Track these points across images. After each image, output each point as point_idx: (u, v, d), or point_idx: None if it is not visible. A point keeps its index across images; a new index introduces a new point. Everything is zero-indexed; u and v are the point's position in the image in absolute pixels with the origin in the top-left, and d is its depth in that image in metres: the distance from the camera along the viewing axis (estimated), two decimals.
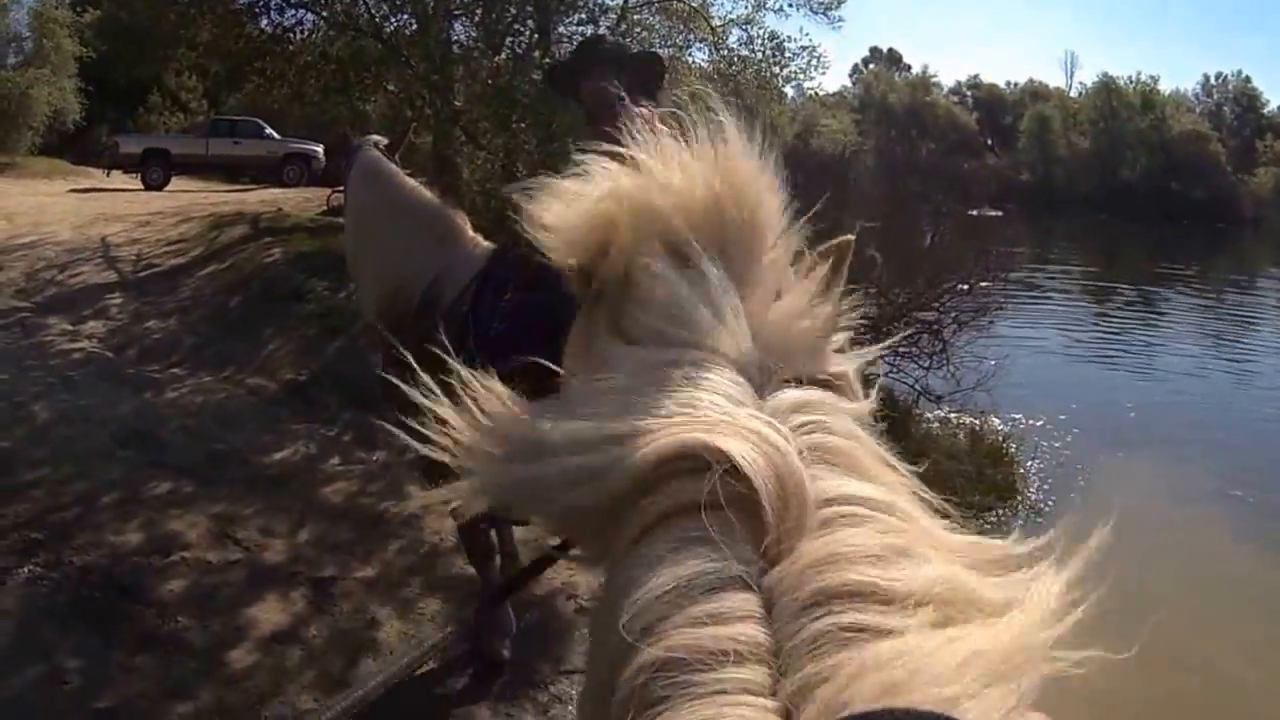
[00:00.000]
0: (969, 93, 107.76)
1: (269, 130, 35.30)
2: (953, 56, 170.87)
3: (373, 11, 18.43)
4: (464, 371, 1.49)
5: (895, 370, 11.71)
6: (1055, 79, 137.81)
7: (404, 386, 1.57)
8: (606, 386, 1.24)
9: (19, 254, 16.70)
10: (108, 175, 33.49)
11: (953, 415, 11.40)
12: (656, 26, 20.41)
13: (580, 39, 17.22)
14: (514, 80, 15.23)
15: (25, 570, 6.44)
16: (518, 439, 1.28)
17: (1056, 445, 11.75)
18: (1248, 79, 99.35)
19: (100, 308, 13.50)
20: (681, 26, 20.71)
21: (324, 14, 18.51)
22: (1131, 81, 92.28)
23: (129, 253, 16.69)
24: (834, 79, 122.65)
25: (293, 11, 18.61)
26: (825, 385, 1.26)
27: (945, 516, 1.17)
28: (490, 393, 1.42)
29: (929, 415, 11.36)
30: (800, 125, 68.07)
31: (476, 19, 18.63)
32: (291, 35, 18.69)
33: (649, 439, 1.08)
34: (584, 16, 18.83)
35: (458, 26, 19.04)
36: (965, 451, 10.45)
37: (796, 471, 1.04)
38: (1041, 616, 0.96)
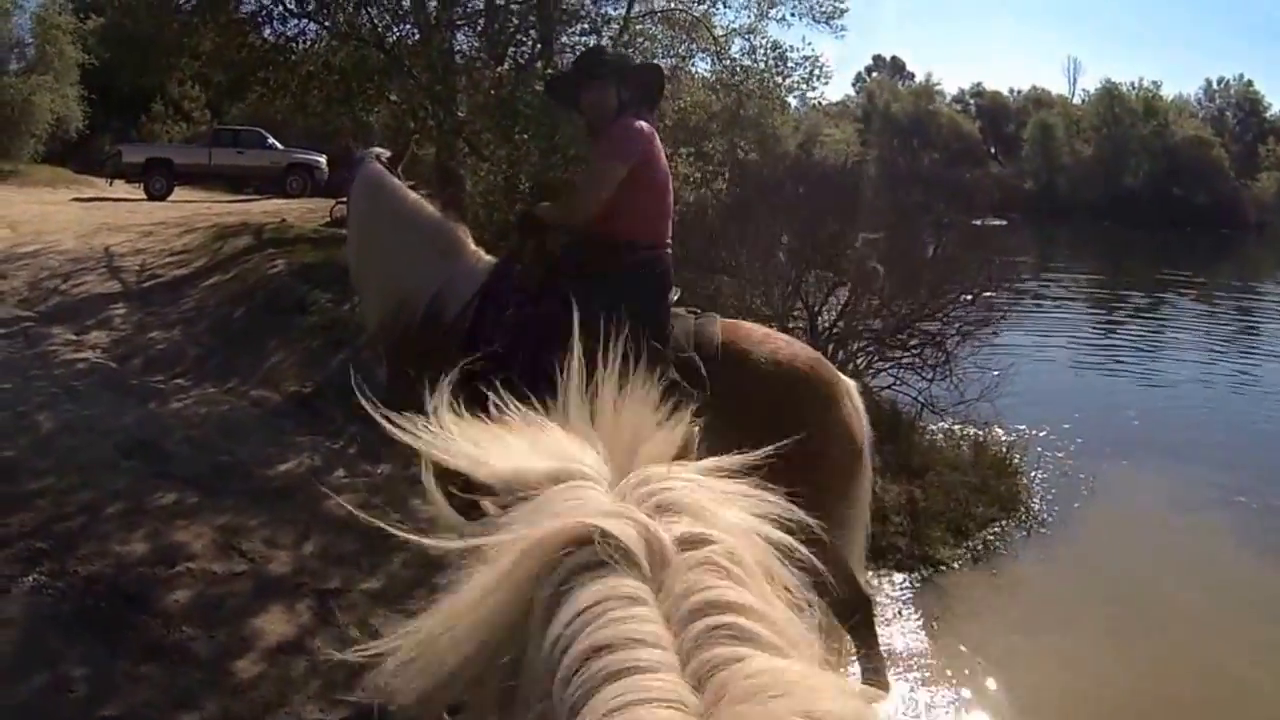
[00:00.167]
0: (972, 101, 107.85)
1: (272, 140, 35.13)
2: (956, 63, 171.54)
3: (375, 22, 18.42)
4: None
5: (899, 383, 11.72)
6: (1058, 85, 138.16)
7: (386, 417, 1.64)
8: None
9: (22, 263, 16.71)
10: (110, 184, 33.39)
11: (956, 427, 11.38)
12: (659, 36, 20.40)
13: (583, 49, 17.29)
14: (516, 91, 15.21)
15: (30, 579, 6.47)
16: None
17: (1060, 455, 11.73)
18: (1249, 83, 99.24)
19: (104, 318, 13.51)
20: (684, 36, 20.67)
21: (326, 24, 18.50)
22: (1134, 87, 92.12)
23: (132, 263, 16.69)
24: (837, 88, 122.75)
25: (295, 21, 18.59)
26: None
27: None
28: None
29: (933, 427, 11.34)
30: (803, 135, 68.04)
31: (479, 29, 18.65)
32: (294, 45, 18.66)
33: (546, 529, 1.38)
34: (586, 27, 18.85)
35: (460, 37, 19.06)
36: (969, 463, 10.45)
37: (650, 526, 1.35)
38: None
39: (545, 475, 1.56)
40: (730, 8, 21.69)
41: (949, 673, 6.85)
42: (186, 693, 5.54)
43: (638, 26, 19.55)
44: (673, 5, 20.52)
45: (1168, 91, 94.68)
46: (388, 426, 1.73)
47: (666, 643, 1.22)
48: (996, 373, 11.75)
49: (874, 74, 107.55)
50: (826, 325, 11.61)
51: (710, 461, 1.68)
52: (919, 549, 8.63)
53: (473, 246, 6.06)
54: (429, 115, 17.61)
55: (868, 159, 54.07)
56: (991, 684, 6.73)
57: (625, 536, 1.32)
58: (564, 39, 18.69)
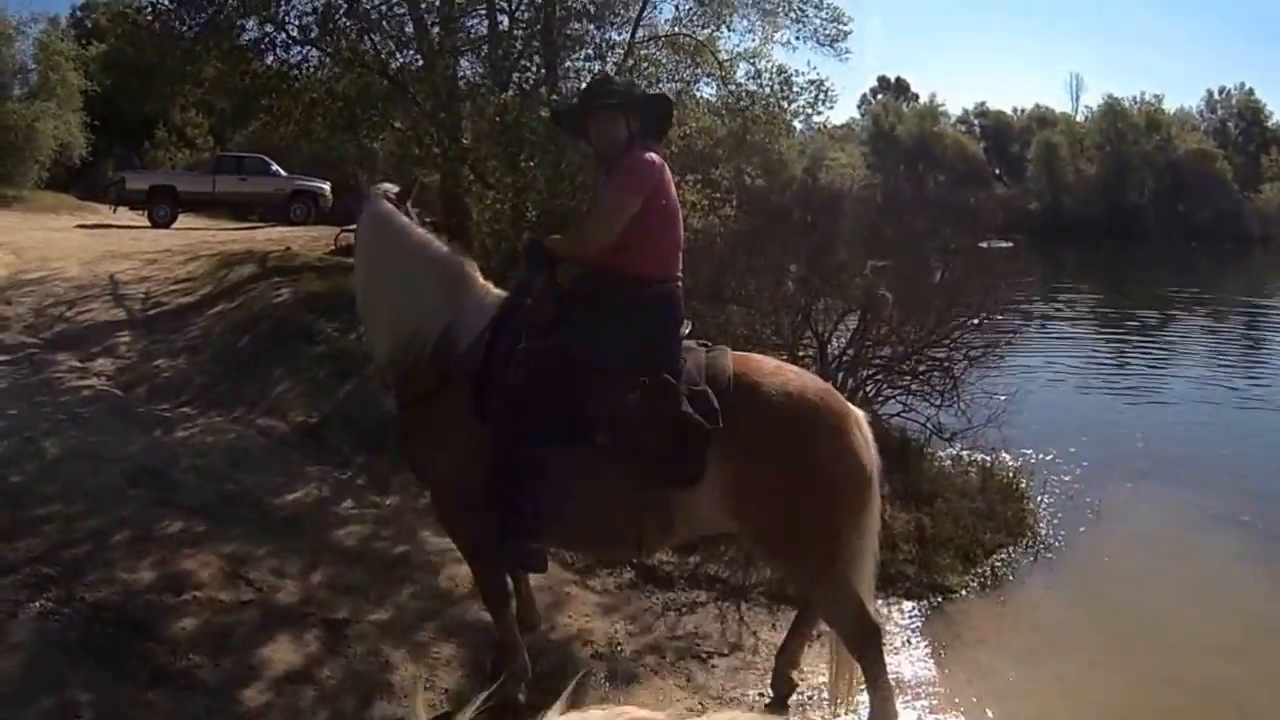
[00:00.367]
0: (976, 121, 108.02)
1: (275, 167, 35.14)
2: (959, 81, 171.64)
3: (378, 48, 18.50)
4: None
5: (907, 410, 11.71)
6: (1062, 102, 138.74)
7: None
8: None
9: (27, 289, 16.72)
10: (114, 211, 33.40)
11: (964, 453, 11.37)
12: (664, 61, 20.44)
13: (589, 75, 17.30)
14: (521, 117, 15.22)
15: (37, 604, 6.49)
16: None
17: (1066, 479, 11.73)
18: (1250, 91, 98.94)
19: (109, 345, 13.52)
20: (689, 61, 20.74)
21: (329, 51, 18.55)
22: (1136, 102, 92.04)
23: (137, 290, 16.70)
24: (842, 110, 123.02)
25: (298, 49, 18.66)
26: None
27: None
28: None
29: (941, 454, 11.34)
30: (809, 159, 68.12)
31: (483, 55, 18.70)
32: (297, 72, 18.73)
33: None
34: (590, 52, 18.89)
35: (464, 63, 19.14)
36: (977, 489, 10.44)
37: None
38: None
39: None
40: (735, 32, 21.65)
41: (956, 700, 6.83)
42: (194, 719, 5.54)
43: (642, 52, 19.59)
44: (677, 30, 20.63)
45: (1170, 104, 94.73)
46: None
47: None
48: (1004, 397, 11.74)
49: (879, 96, 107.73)
50: (836, 353, 11.61)
51: None
52: (927, 576, 8.62)
53: (481, 279, 6.08)
54: (434, 142, 17.64)
55: (874, 182, 54.14)
56: (998, 712, 6.71)
57: None
58: (568, 64, 18.73)
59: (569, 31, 18.31)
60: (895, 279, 11.73)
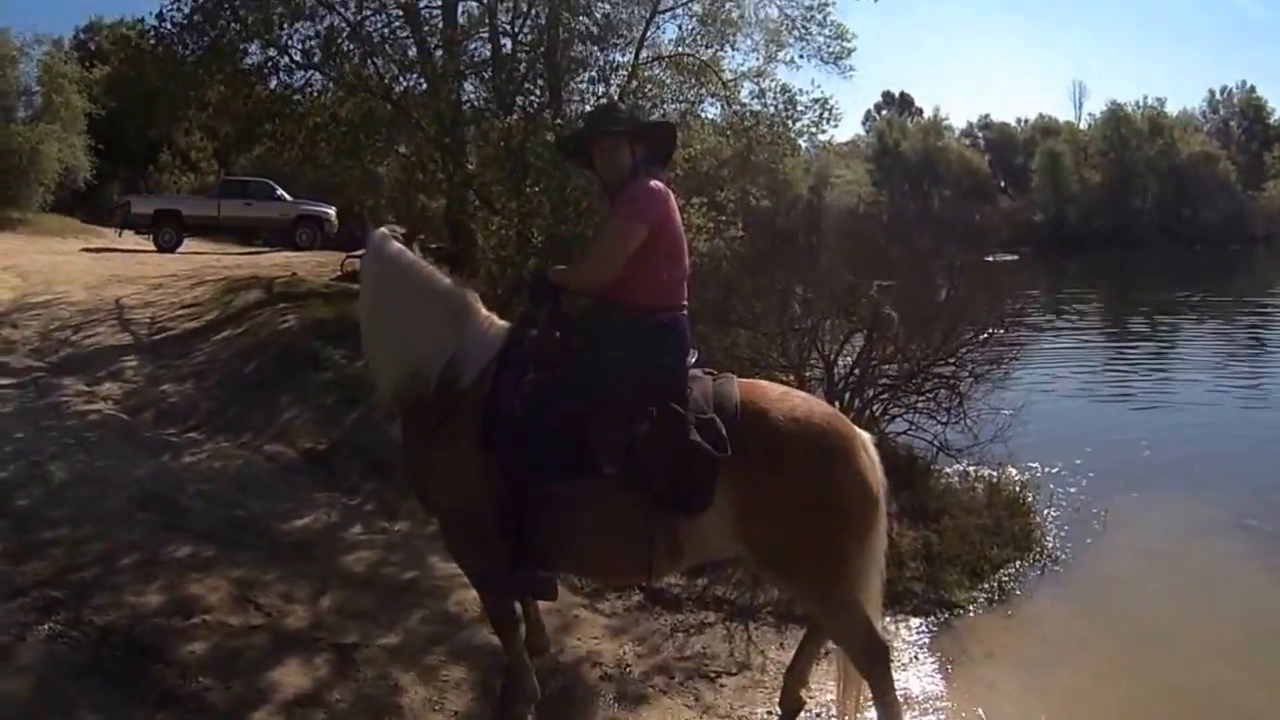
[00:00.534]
0: (980, 134, 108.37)
1: (281, 192, 35.09)
2: (963, 90, 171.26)
3: (382, 73, 18.55)
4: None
5: (914, 428, 11.72)
6: (1065, 109, 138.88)
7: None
8: None
9: (33, 313, 16.75)
10: (120, 235, 33.49)
11: (971, 469, 11.37)
12: (668, 82, 20.49)
13: (593, 97, 17.33)
14: (526, 142, 15.25)
15: (45, 627, 6.50)
16: None
17: (1072, 491, 11.74)
18: (1252, 89, 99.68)
19: (115, 369, 13.52)
20: (693, 81, 20.78)
21: (333, 75, 18.60)
22: (1139, 106, 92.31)
23: (143, 315, 16.71)
24: (847, 126, 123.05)
25: (301, 73, 18.70)
26: None
27: None
28: None
29: (948, 470, 11.33)
30: (814, 178, 68.22)
31: (486, 79, 18.73)
32: (301, 96, 18.78)
33: None
34: (594, 75, 18.93)
35: (467, 87, 19.15)
36: (983, 505, 10.45)
37: None
38: None
39: None
40: (739, 51, 21.73)
41: (964, 715, 6.85)
42: None
43: (646, 73, 19.67)
44: (681, 50, 20.67)
45: (1173, 106, 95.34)
46: None
47: None
48: (1009, 412, 11.75)
49: (883, 111, 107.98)
50: (843, 374, 11.62)
51: None
52: (935, 593, 8.64)
53: (484, 311, 6.08)
54: (438, 167, 17.71)
55: (880, 200, 54.18)
56: None
57: None
58: (572, 87, 18.77)
59: (572, 54, 18.38)
60: (900, 297, 11.74)
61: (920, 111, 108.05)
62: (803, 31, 21.05)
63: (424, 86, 18.32)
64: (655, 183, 5.77)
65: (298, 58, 18.34)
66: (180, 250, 31.17)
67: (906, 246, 12.84)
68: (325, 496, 9.74)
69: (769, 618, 8.00)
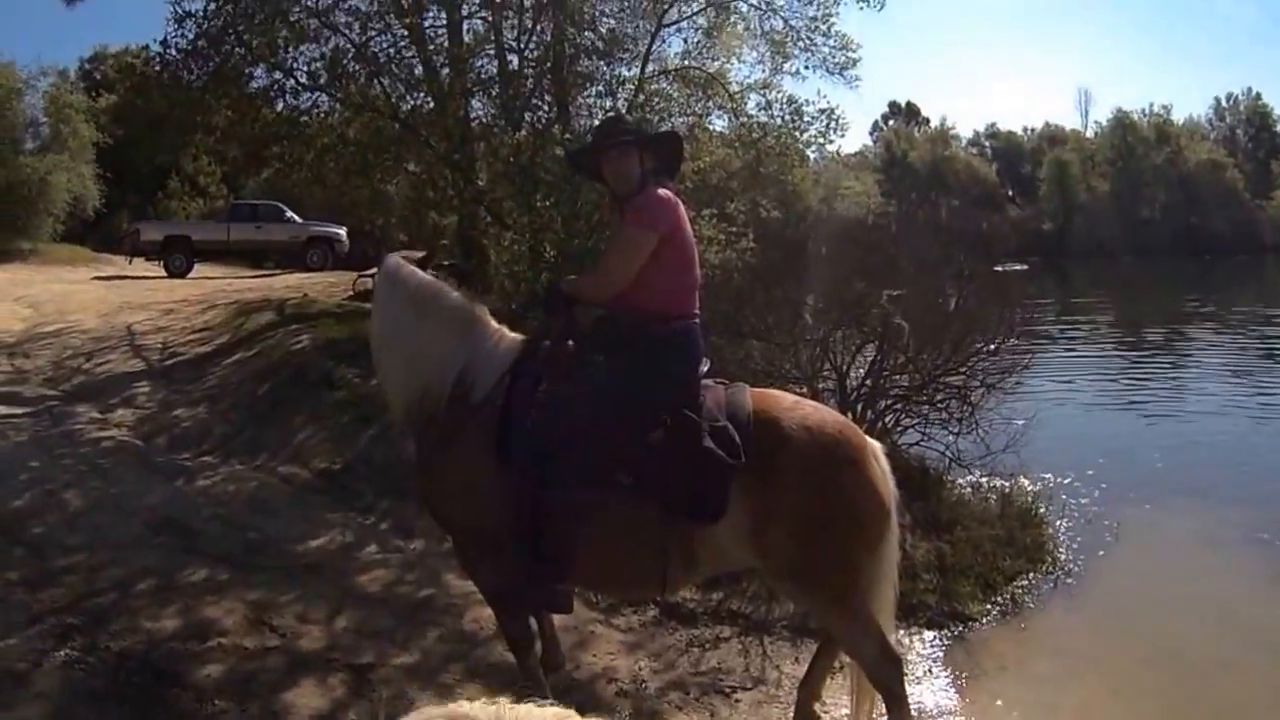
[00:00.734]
0: (987, 143, 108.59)
1: (290, 214, 35.05)
2: (969, 98, 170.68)
3: (388, 92, 18.60)
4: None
5: (926, 439, 11.70)
6: (1071, 117, 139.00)
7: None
8: None
9: (46, 342, 16.84)
10: (130, 263, 33.52)
11: (984, 479, 11.33)
12: (675, 96, 20.50)
13: (600, 112, 17.37)
14: (536, 157, 15.29)
15: (62, 654, 6.55)
16: None
17: (1084, 502, 11.70)
18: (1258, 96, 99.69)
19: (128, 396, 13.57)
20: (700, 94, 20.81)
21: (339, 96, 18.67)
22: (1145, 114, 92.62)
23: (155, 341, 16.77)
24: (855, 137, 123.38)
25: (308, 95, 18.78)
26: None
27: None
28: None
29: (960, 481, 11.29)
30: (824, 189, 68.27)
31: (494, 95, 18.78)
32: (308, 118, 18.86)
33: None
34: (601, 89, 18.95)
35: (475, 104, 19.20)
36: (996, 516, 10.39)
37: None
38: None
39: None
40: (745, 63, 21.76)
41: None
42: None
43: (652, 86, 19.67)
44: (687, 63, 20.71)
45: (1179, 114, 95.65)
46: None
47: None
48: (1021, 422, 11.73)
49: (890, 122, 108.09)
50: (855, 385, 11.62)
51: None
52: (948, 605, 8.61)
53: (493, 324, 6.10)
54: (449, 184, 17.75)
55: (889, 210, 54.19)
56: None
57: None
58: (579, 101, 18.80)
59: (579, 69, 18.39)
60: (911, 308, 11.74)
61: (927, 121, 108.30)
62: (807, 42, 21.04)
63: (431, 105, 18.37)
64: (664, 191, 5.81)
65: (304, 80, 18.45)
66: (191, 275, 31.28)
67: (915, 256, 12.84)
68: (340, 516, 9.75)
69: (784, 632, 7.99)
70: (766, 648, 7.77)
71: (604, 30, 18.66)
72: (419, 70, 18.71)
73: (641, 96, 18.86)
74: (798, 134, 21.27)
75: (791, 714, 6.40)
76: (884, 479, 5.62)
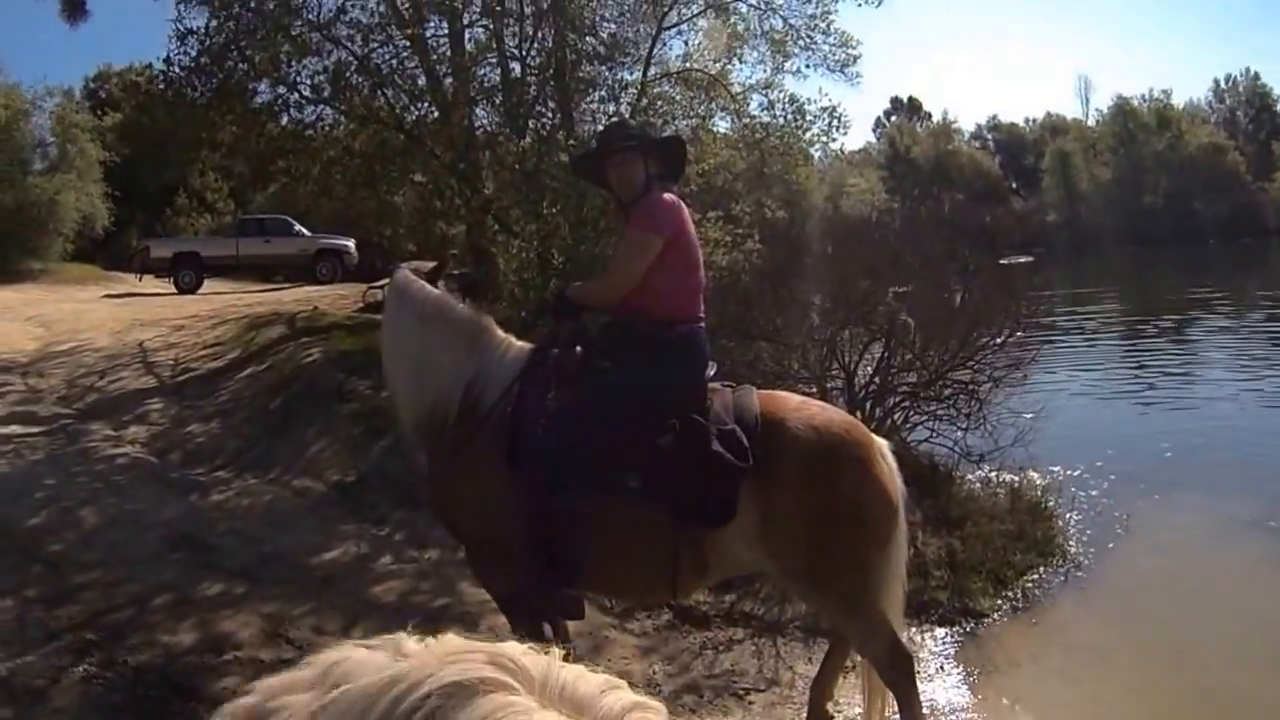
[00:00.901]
0: (990, 135, 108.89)
1: (299, 227, 35.16)
2: (970, 91, 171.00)
3: (392, 103, 18.65)
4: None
5: (935, 435, 11.70)
6: (1071, 106, 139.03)
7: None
8: None
9: (59, 361, 16.88)
10: (140, 280, 33.62)
11: (993, 474, 11.26)
12: (677, 99, 20.59)
13: (604, 117, 17.41)
14: (541, 164, 15.33)
15: (81, 669, 6.60)
16: None
17: (1094, 494, 11.67)
18: (1256, 76, 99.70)
19: (141, 412, 13.60)
20: (703, 96, 20.90)
21: (343, 109, 18.72)
22: (1145, 99, 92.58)
23: (166, 357, 16.79)
24: (859, 134, 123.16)
25: (312, 108, 18.83)
26: None
27: None
28: None
29: (970, 477, 11.24)
30: (829, 187, 68.22)
31: (497, 103, 18.82)
32: (313, 131, 18.91)
33: None
34: (604, 94, 19.01)
35: (479, 112, 19.27)
36: (1006, 510, 10.34)
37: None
38: None
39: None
40: (746, 64, 21.84)
41: None
42: None
43: (655, 90, 19.75)
44: (689, 66, 20.79)
45: (1179, 97, 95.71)
46: None
47: None
48: (1030, 415, 11.73)
49: (892, 117, 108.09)
50: (863, 383, 11.63)
51: None
52: (959, 601, 8.59)
53: (500, 334, 6.13)
54: (455, 194, 17.79)
55: (893, 207, 54.13)
56: None
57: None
58: (583, 107, 18.84)
59: (581, 74, 18.46)
60: (917, 304, 11.75)
61: (929, 116, 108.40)
62: (808, 41, 21.13)
63: (436, 114, 18.44)
64: (668, 195, 5.86)
65: (307, 93, 18.50)
66: (201, 291, 31.31)
67: (919, 252, 12.85)
68: (354, 528, 9.77)
69: (797, 633, 8.00)
70: (779, 649, 7.78)
71: (605, 35, 18.78)
72: (422, 80, 18.79)
73: (644, 100, 18.92)
74: (800, 133, 21.37)
75: (805, 714, 6.43)
76: (891, 477, 5.65)
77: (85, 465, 11.40)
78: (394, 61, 18.65)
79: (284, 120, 18.92)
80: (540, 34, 18.26)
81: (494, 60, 19.04)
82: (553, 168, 15.24)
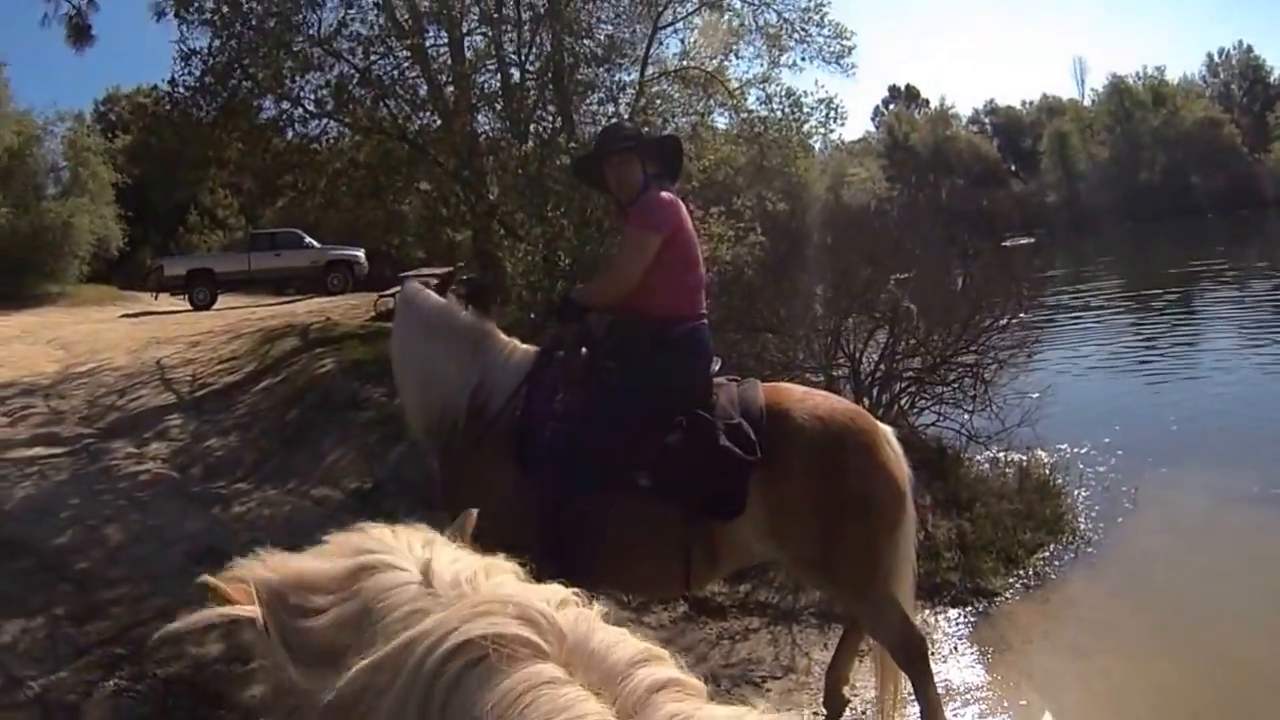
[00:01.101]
0: (987, 119, 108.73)
1: (309, 240, 35.33)
2: (966, 75, 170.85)
3: (394, 113, 18.75)
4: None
5: (942, 419, 11.77)
6: (1067, 86, 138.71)
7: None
8: None
9: (79, 382, 16.97)
10: (156, 299, 33.82)
11: (1001, 454, 11.28)
12: (676, 96, 20.68)
13: (604, 118, 17.48)
14: (543, 168, 15.40)
15: (111, 683, 6.69)
16: None
17: (1102, 470, 11.78)
18: (1249, 49, 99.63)
19: (161, 429, 13.68)
20: (701, 93, 21.01)
21: (347, 121, 18.83)
22: (1140, 77, 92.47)
23: (184, 373, 16.88)
24: (857, 124, 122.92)
25: (316, 122, 18.94)
26: None
27: None
28: None
29: (978, 458, 11.26)
30: (830, 178, 68.10)
31: (499, 109, 18.90)
32: (318, 145, 19.03)
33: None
34: (603, 95, 19.06)
35: (481, 119, 19.32)
36: (1015, 490, 10.38)
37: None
38: None
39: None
40: (742, 59, 22.01)
41: (1005, 704, 6.91)
42: None
43: (653, 89, 19.81)
44: (686, 63, 20.87)
45: (1173, 73, 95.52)
46: None
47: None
48: (1035, 395, 11.79)
49: (890, 106, 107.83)
50: (869, 370, 11.71)
51: None
52: (971, 582, 8.67)
53: (503, 339, 6.24)
54: (460, 200, 17.87)
55: (894, 195, 54.08)
56: (1051, 711, 6.76)
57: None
58: (583, 109, 18.90)
59: (579, 77, 18.49)
60: (919, 290, 11.81)
61: (927, 103, 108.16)
62: (802, 34, 21.25)
63: (438, 123, 18.54)
64: (665, 194, 5.97)
65: (311, 108, 18.59)
66: (215, 307, 31.40)
67: (919, 238, 12.93)
68: None
69: (811, 619, 8.10)
70: (795, 636, 7.88)
71: (602, 37, 18.84)
72: (424, 90, 18.88)
73: (643, 100, 18.99)
74: (798, 125, 21.43)
75: (821, 699, 6.53)
76: (897, 462, 5.73)
77: (108, 483, 11.48)
78: (395, 72, 18.78)
79: (289, 135, 19.02)
80: (538, 39, 18.32)
81: (494, 67, 19.11)
82: (555, 171, 15.30)
